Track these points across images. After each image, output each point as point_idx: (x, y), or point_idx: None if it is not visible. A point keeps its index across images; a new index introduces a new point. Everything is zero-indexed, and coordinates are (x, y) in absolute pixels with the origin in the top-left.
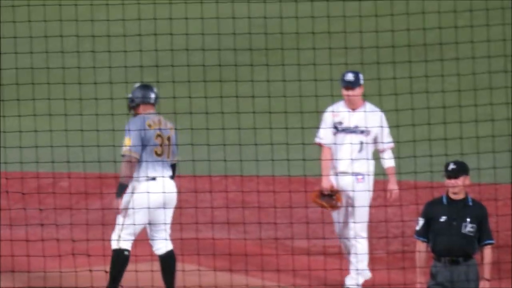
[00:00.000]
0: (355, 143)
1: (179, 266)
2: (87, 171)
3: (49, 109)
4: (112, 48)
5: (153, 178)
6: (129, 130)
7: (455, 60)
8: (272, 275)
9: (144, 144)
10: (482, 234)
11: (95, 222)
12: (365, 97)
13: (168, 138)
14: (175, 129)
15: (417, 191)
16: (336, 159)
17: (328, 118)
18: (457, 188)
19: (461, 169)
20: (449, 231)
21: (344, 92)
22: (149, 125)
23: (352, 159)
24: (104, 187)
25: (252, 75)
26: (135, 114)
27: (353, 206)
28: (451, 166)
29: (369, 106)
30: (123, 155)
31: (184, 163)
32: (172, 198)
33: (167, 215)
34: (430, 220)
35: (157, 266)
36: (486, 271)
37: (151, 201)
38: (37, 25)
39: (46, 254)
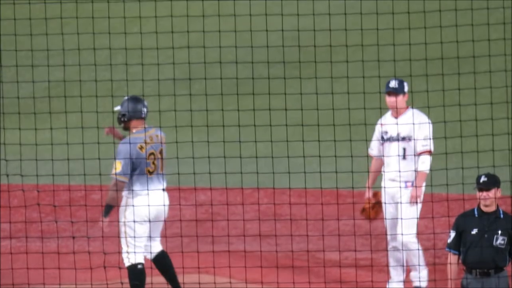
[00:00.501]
0: (400, 151)
1: (210, 278)
2: None
3: (81, 121)
4: (144, 61)
5: (145, 194)
6: (118, 158)
7: (487, 73)
8: None
9: (135, 168)
10: None
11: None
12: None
13: (161, 151)
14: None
15: (449, 204)
16: (384, 168)
17: (377, 129)
18: (489, 200)
19: (492, 182)
20: (481, 243)
21: (387, 98)
22: (141, 148)
23: (399, 167)
24: None
25: (284, 88)
26: (125, 128)
27: (398, 216)
28: (483, 179)
29: (412, 112)
30: (111, 177)
31: (217, 175)
32: (165, 210)
33: (159, 227)
34: (461, 232)
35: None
36: None
37: (145, 213)
38: (69, 38)
39: (78, 267)
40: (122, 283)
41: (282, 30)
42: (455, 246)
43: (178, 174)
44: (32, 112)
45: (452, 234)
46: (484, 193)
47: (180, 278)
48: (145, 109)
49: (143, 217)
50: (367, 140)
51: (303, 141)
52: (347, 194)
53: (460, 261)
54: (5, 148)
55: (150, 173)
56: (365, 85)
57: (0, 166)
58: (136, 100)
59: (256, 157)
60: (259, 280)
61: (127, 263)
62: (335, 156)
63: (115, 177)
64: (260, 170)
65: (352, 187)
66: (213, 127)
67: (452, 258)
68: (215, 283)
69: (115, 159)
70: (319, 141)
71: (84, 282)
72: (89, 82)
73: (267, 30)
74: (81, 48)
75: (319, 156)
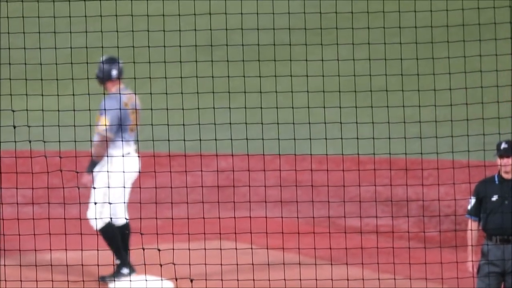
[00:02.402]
0: None
1: (231, 244)
2: (140, 150)
3: (103, 88)
4: (166, 27)
5: (128, 153)
6: (104, 110)
7: (508, 39)
8: (324, 253)
9: (120, 124)
10: None
11: (148, 200)
12: (418, 75)
13: (137, 113)
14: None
15: (470, 170)
16: None
17: None
18: (509, 167)
19: None
20: (501, 210)
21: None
22: (126, 104)
23: None
24: (157, 166)
25: (306, 55)
26: (104, 88)
27: None
28: (503, 146)
29: None
30: (96, 133)
31: (238, 142)
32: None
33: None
34: (482, 199)
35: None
36: None
37: (126, 177)
38: (91, 5)
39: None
40: (143, 249)
41: None
42: (475, 212)
43: (200, 140)
44: (55, 78)
45: (472, 200)
46: (505, 160)
47: (201, 244)
48: (115, 71)
49: (123, 181)
50: (388, 107)
51: (324, 107)
52: (367, 160)
53: (480, 227)
54: (28, 114)
55: (131, 132)
56: (386, 51)
57: (13, 133)
58: (110, 60)
59: (278, 124)
60: (280, 246)
61: (99, 224)
62: (356, 123)
63: (103, 134)
64: (281, 136)
65: (374, 154)
66: (234, 94)
67: (473, 224)
68: (236, 248)
69: (100, 115)
70: (340, 107)
71: (105, 247)
72: (111, 48)
73: None
74: (103, 15)
75: (340, 123)
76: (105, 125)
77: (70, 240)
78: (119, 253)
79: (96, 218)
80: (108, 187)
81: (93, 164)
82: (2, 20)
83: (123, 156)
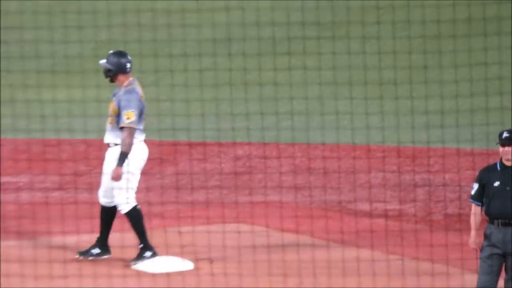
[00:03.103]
0: None
1: (248, 227)
2: (162, 138)
3: (109, 81)
4: (186, 22)
5: (142, 141)
6: (124, 103)
7: (510, 34)
8: (336, 236)
9: (140, 115)
10: None
11: (169, 186)
12: (425, 68)
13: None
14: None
15: (474, 158)
16: None
17: None
18: (510, 155)
19: None
20: (502, 195)
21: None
22: (142, 96)
23: None
24: (178, 154)
25: (319, 48)
26: (111, 81)
27: None
28: (505, 135)
29: None
30: (125, 127)
31: (254, 131)
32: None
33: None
34: (484, 185)
35: (226, 227)
36: None
37: (143, 161)
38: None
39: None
40: (166, 231)
41: None
42: (478, 197)
43: (218, 130)
44: (80, 70)
45: (476, 186)
46: (506, 148)
47: (219, 227)
48: (129, 64)
49: (141, 165)
50: (397, 98)
51: (336, 98)
52: (377, 148)
53: (483, 212)
54: (56, 105)
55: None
56: (395, 45)
57: (42, 123)
58: (120, 54)
59: (292, 114)
60: (294, 229)
61: (127, 208)
62: (366, 113)
63: (133, 127)
64: (295, 126)
65: (383, 142)
66: (251, 85)
67: (476, 209)
68: (253, 232)
69: (124, 109)
70: (351, 98)
71: (130, 230)
72: (133, 42)
73: None
74: (126, 11)
75: (351, 113)
76: (133, 118)
77: (97, 224)
78: (143, 236)
79: (122, 204)
80: (129, 172)
81: (124, 156)
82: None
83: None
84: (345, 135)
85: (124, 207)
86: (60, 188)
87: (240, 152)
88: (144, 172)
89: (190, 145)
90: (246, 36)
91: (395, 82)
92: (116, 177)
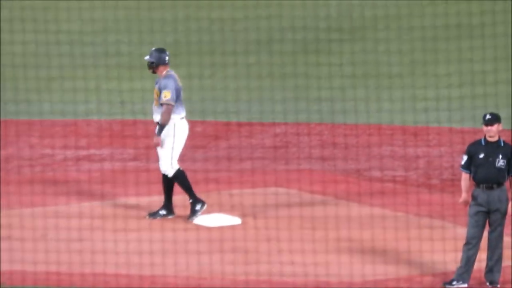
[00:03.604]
0: None
1: (284, 190)
2: (217, 119)
3: (152, 72)
4: (237, 28)
5: (183, 117)
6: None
7: (491, 37)
8: (354, 197)
9: (177, 95)
10: (510, 167)
11: (222, 157)
12: (424, 64)
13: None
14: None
15: (463, 135)
16: None
17: None
18: (492, 132)
19: (495, 118)
20: (486, 165)
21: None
22: (179, 82)
23: None
24: (230, 132)
25: (341, 48)
26: (153, 72)
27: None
28: (488, 116)
29: None
30: (164, 104)
31: (290, 113)
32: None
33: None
34: (472, 156)
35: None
36: None
37: (184, 135)
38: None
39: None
40: (219, 193)
41: None
42: (467, 166)
43: (261, 112)
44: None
45: (465, 157)
46: (489, 127)
47: (262, 190)
48: (167, 57)
49: (184, 136)
50: (403, 87)
51: (354, 88)
52: (386, 127)
53: (471, 178)
54: (132, 93)
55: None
56: (401, 45)
57: (121, 107)
58: (161, 50)
59: (320, 100)
60: (321, 192)
61: (172, 172)
62: (378, 100)
63: (170, 103)
64: (322, 109)
65: (391, 122)
66: (287, 77)
67: (465, 176)
68: (288, 194)
69: (163, 90)
70: (366, 88)
71: (179, 193)
72: (194, 44)
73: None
74: (190, 19)
75: (366, 100)
76: (169, 96)
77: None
78: (191, 192)
79: (168, 169)
80: (174, 142)
81: (162, 128)
82: (110, 22)
83: (181, 119)
84: (362, 117)
85: (170, 172)
86: (135, 159)
87: (278, 130)
88: (203, 146)
89: (239, 124)
90: (284, 38)
91: (401, 75)
92: (156, 143)
